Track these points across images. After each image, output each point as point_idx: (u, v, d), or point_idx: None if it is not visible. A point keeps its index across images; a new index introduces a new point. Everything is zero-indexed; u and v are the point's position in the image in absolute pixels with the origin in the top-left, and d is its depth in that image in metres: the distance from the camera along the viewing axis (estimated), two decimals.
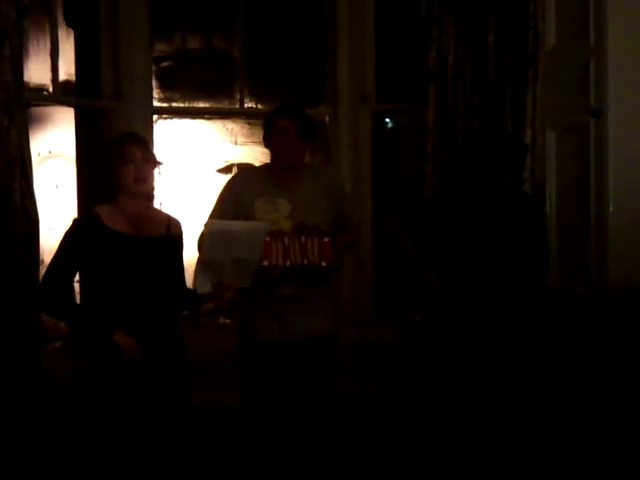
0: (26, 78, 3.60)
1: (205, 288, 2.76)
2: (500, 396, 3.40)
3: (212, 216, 3.14)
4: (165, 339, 2.78)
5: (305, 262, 2.99)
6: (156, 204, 4.28)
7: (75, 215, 2.79)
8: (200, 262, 2.74)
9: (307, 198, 3.16)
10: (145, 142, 2.81)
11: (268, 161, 3.34)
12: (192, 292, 2.84)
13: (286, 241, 2.98)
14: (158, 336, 2.75)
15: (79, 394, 2.77)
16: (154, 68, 4.45)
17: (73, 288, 2.80)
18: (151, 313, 2.73)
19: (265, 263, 2.94)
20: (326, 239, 3.02)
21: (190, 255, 2.96)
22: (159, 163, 2.82)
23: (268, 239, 2.94)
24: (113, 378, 2.68)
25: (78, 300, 3.18)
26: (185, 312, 3.15)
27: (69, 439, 2.76)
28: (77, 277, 2.83)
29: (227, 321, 4.77)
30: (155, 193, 2.84)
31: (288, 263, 2.98)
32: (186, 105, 4.58)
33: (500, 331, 3.41)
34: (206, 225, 2.78)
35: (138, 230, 2.74)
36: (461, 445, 3.42)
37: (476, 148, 3.45)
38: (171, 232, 2.83)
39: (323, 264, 3.01)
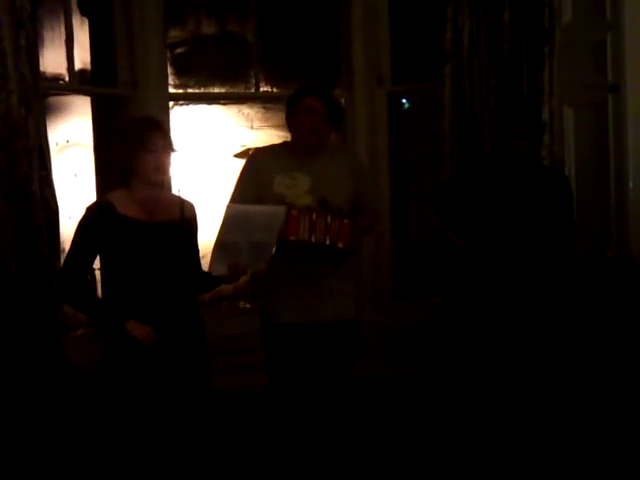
0: (42, 68, 3.61)
1: (221, 270, 2.76)
2: (531, 374, 3.37)
3: (233, 198, 3.14)
4: (184, 323, 2.79)
5: (327, 241, 2.98)
6: (174, 190, 4.35)
7: (89, 203, 2.76)
8: (217, 244, 2.75)
9: (327, 173, 3.14)
10: (167, 130, 2.81)
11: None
12: (207, 274, 2.84)
13: (314, 217, 2.96)
14: (176, 320, 2.76)
15: (101, 381, 2.79)
16: (169, 55, 4.45)
17: (90, 277, 2.79)
18: (169, 297, 2.74)
19: (292, 237, 2.92)
20: (346, 221, 3.01)
21: (206, 238, 2.97)
22: (175, 151, 2.82)
23: (296, 213, 2.93)
24: (130, 366, 2.69)
25: (100, 287, 3.19)
26: (202, 295, 3.15)
27: (91, 426, 2.78)
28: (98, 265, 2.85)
29: (248, 305, 4.79)
30: (169, 180, 2.85)
31: (313, 239, 2.96)
32: (202, 91, 4.58)
33: (532, 308, 3.37)
34: (225, 209, 2.76)
35: (152, 215, 2.74)
36: (488, 428, 3.41)
37: (513, 108, 3.39)
38: (185, 215, 2.83)
39: (340, 245, 3.00)
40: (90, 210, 2.73)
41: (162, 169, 2.71)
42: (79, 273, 2.70)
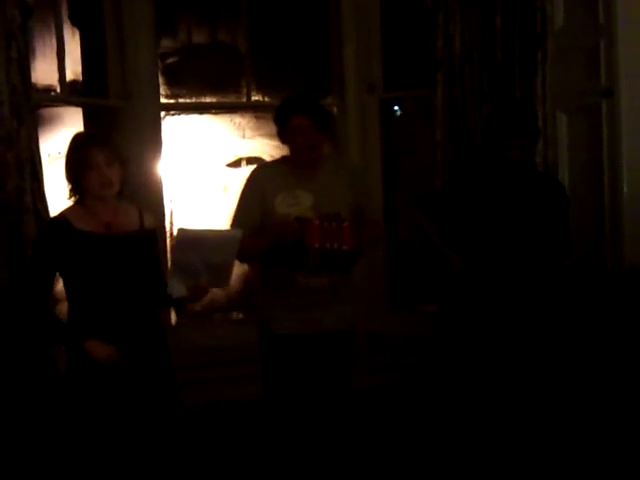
0: (33, 79, 3.59)
1: (180, 292, 2.74)
2: (523, 385, 3.37)
3: (237, 217, 3.14)
4: (146, 336, 2.74)
5: (336, 246, 3.00)
6: (166, 200, 4.33)
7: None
8: (171, 267, 2.75)
9: (328, 189, 3.14)
10: (107, 142, 2.70)
11: (277, 154, 3.32)
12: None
13: (325, 225, 3.00)
14: (139, 333, 2.71)
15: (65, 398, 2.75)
16: (160, 65, 4.44)
17: (48, 295, 2.71)
18: (130, 310, 2.69)
19: (316, 245, 2.96)
20: (345, 224, 3.02)
21: None
22: (125, 161, 2.72)
23: (317, 222, 2.97)
24: (92, 384, 2.64)
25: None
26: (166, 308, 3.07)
27: (80, 438, 2.74)
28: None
29: (241, 316, 4.77)
30: (125, 190, 2.75)
31: (328, 245, 2.99)
32: (193, 101, 4.56)
33: (525, 316, 3.37)
34: (176, 232, 2.76)
35: (109, 228, 2.68)
36: (481, 437, 3.40)
37: (507, 113, 3.40)
38: (144, 226, 2.79)
39: (345, 248, 3.01)
40: (44, 228, 2.69)
41: (108, 183, 2.64)
42: (37, 293, 2.64)
